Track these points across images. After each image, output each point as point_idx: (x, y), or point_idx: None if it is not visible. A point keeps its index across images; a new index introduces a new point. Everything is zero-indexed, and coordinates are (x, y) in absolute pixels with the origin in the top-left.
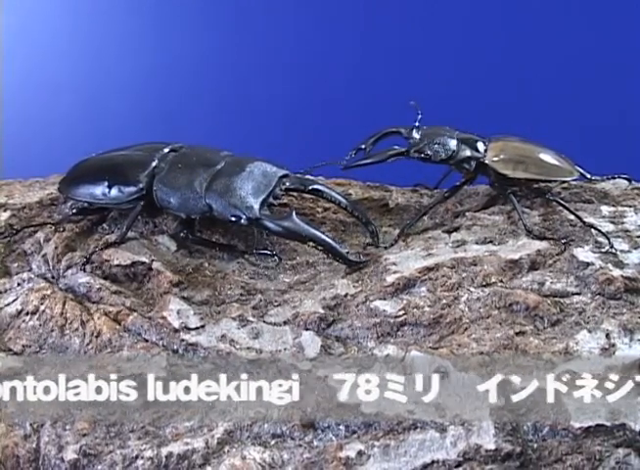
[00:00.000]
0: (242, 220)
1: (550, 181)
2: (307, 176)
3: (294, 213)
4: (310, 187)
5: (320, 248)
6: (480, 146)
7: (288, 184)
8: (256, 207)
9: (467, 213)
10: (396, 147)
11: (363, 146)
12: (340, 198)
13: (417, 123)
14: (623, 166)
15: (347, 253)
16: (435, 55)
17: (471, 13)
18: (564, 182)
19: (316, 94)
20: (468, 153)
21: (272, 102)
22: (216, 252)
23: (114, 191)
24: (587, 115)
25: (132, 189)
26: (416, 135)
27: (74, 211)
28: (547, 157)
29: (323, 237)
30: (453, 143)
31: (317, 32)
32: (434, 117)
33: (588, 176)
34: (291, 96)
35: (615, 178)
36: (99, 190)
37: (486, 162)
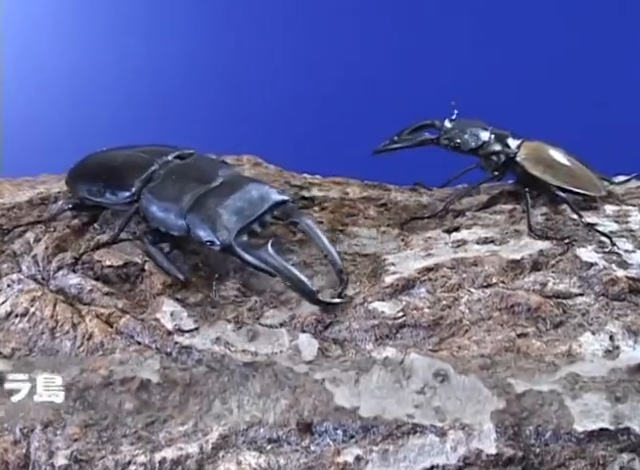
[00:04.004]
0: (215, 246)
1: (574, 193)
2: (303, 211)
3: (269, 245)
4: (298, 223)
5: (288, 284)
6: (513, 143)
7: (277, 213)
8: (233, 233)
9: (467, 213)
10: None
11: (396, 138)
12: (323, 245)
13: (453, 117)
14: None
15: (318, 292)
16: (438, 56)
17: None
18: (587, 196)
19: (317, 93)
20: (499, 147)
21: (272, 101)
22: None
23: (110, 191)
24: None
25: (125, 193)
26: (448, 125)
27: (70, 205)
28: (577, 168)
29: (293, 274)
30: (485, 135)
31: (319, 32)
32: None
33: (614, 181)
34: (291, 95)
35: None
36: (96, 188)
37: (517, 159)
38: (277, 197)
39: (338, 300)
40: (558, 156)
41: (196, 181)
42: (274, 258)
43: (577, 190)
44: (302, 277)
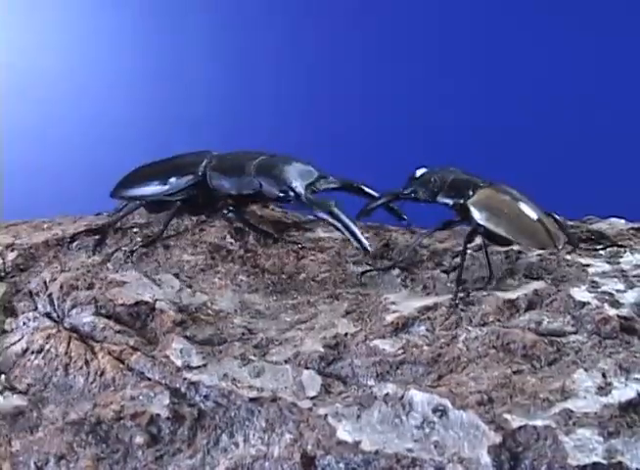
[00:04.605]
0: (288, 197)
1: (515, 243)
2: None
3: (333, 201)
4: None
5: (348, 234)
6: (469, 190)
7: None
8: (302, 186)
9: (466, 252)
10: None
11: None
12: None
13: (420, 170)
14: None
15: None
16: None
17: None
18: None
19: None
20: (452, 194)
21: (272, 105)
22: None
23: (173, 180)
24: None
25: (190, 177)
26: (414, 178)
27: (122, 212)
28: (528, 219)
29: (353, 226)
30: (440, 184)
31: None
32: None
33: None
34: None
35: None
36: (156, 184)
37: (467, 204)
38: (317, 173)
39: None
40: (508, 203)
41: (249, 157)
42: (339, 210)
43: (519, 241)
44: (357, 231)
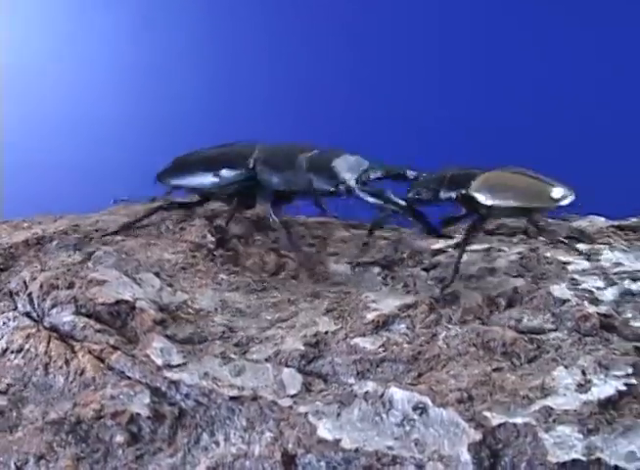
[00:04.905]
0: (340, 191)
1: (529, 210)
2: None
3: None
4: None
5: (410, 217)
6: (471, 179)
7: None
8: (353, 179)
9: (446, 250)
10: None
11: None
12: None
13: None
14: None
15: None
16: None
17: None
18: (545, 210)
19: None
20: (451, 190)
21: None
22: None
23: (223, 173)
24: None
25: (241, 170)
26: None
27: (164, 205)
28: (532, 180)
29: (412, 210)
30: (438, 182)
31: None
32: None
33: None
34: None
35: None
36: (205, 175)
37: (469, 192)
38: (367, 163)
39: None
40: (510, 176)
41: (299, 149)
42: (395, 197)
43: (533, 203)
44: (422, 215)
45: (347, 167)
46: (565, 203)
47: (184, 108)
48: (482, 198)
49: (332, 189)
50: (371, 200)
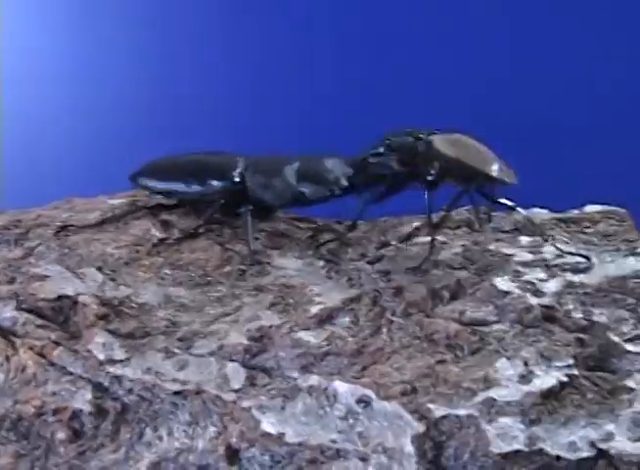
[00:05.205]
0: (336, 192)
1: (477, 173)
2: None
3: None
4: None
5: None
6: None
7: None
8: (344, 179)
9: (391, 244)
10: None
11: None
12: None
13: None
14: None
15: None
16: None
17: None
18: (491, 180)
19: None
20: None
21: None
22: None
23: (208, 182)
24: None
25: (225, 182)
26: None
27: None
28: (488, 151)
29: None
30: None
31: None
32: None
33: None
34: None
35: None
36: (186, 183)
37: (432, 143)
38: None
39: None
40: (472, 142)
41: (283, 163)
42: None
43: (479, 168)
44: None
45: (336, 170)
46: (511, 181)
47: (184, 108)
48: (445, 148)
49: (327, 194)
50: (368, 196)
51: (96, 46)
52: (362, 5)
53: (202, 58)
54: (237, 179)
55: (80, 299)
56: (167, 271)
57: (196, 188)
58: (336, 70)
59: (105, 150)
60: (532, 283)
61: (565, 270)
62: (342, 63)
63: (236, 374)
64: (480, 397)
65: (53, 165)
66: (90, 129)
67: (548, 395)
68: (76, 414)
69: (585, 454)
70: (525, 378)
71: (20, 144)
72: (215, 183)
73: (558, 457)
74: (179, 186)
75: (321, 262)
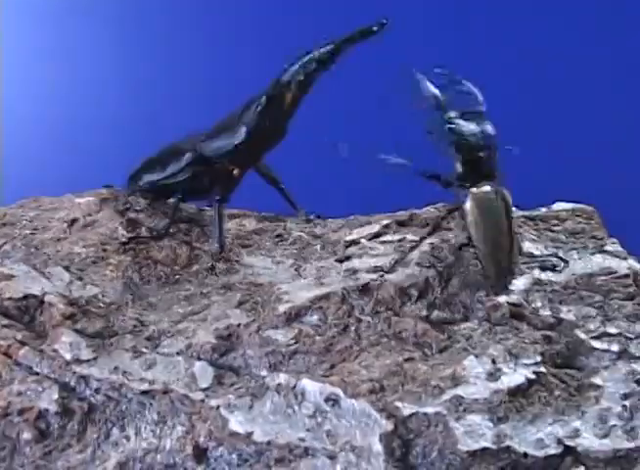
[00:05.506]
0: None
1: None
2: None
3: None
4: None
5: None
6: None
7: None
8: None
9: (359, 242)
10: None
11: None
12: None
13: None
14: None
15: None
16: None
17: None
18: None
19: None
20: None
21: None
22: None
23: (174, 163)
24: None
25: (188, 154)
26: None
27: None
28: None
29: None
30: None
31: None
32: None
33: None
34: None
35: None
36: (158, 169)
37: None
38: None
39: None
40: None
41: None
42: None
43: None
44: None
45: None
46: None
47: (184, 107)
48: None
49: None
50: None
51: (96, 46)
52: (362, 5)
53: (202, 57)
54: (197, 150)
55: (47, 298)
56: (135, 270)
57: (164, 172)
58: (336, 70)
59: (105, 150)
60: None
61: (532, 268)
62: (342, 62)
63: (204, 373)
64: (448, 394)
65: (53, 165)
66: (90, 129)
67: (516, 392)
68: (42, 414)
69: (552, 451)
70: (493, 376)
71: (20, 144)
72: (180, 161)
73: (525, 454)
74: (152, 176)
75: (289, 261)
